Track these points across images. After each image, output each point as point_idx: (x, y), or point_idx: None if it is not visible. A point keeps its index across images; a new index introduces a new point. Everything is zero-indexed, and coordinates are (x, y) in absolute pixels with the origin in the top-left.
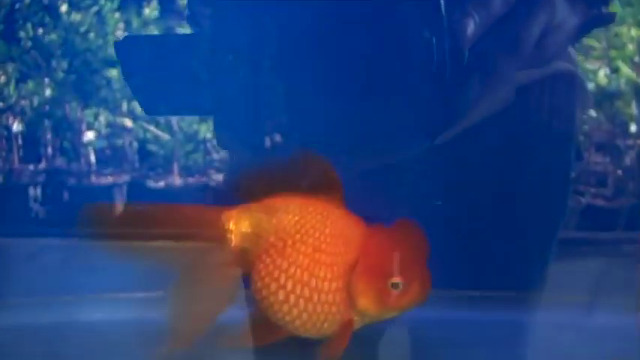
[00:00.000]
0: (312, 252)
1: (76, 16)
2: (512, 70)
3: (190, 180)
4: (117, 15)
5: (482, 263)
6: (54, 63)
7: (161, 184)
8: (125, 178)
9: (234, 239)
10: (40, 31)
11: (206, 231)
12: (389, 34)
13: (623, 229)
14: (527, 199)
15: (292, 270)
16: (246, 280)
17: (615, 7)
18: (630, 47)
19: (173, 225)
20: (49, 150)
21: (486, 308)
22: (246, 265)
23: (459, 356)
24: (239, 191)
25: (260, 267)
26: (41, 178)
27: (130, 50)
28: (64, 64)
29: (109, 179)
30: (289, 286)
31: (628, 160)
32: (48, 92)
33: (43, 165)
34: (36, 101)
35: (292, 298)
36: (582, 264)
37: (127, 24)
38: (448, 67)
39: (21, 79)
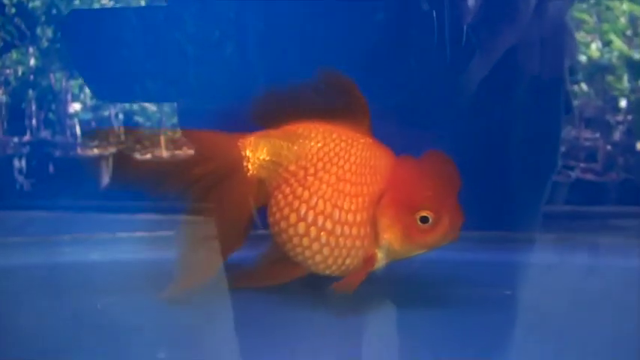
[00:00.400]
0: (335, 181)
1: None
2: (511, 38)
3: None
4: None
5: (486, 205)
6: (38, 31)
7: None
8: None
9: (250, 168)
10: None
11: (221, 159)
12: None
13: (613, 204)
14: (522, 145)
15: (314, 201)
16: (262, 216)
17: None
18: (622, 21)
19: (188, 151)
20: (34, 122)
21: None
22: (264, 197)
23: (459, 295)
24: (258, 117)
25: (279, 197)
26: (25, 150)
27: (75, 27)
28: (49, 33)
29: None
30: (310, 217)
31: (618, 135)
32: (32, 62)
33: (27, 137)
34: (20, 71)
35: (313, 231)
36: (570, 236)
37: None
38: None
39: (4, 49)
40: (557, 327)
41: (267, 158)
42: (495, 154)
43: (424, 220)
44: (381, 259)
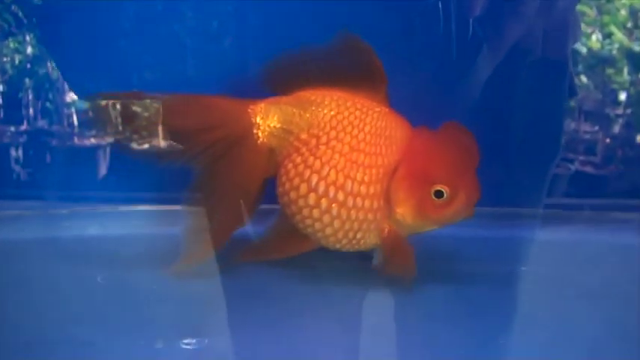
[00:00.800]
0: (348, 151)
1: None
2: (518, 30)
3: (174, 143)
4: None
5: (495, 182)
6: (35, 19)
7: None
8: (108, 140)
9: (261, 135)
10: None
11: (230, 126)
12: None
13: (612, 197)
14: (529, 127)
15: (325, 171)
16: (271, 189)
17: None
18: (623, 13)
19: (192, 117)
20: (31, 111)
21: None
22: (274, 167)
23: (463, 270)
24: (269, 83)
25: (289, 167)
26: (22, 140)
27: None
28: (47, 22)
29: (92, 141)
30: (321, 188)
31: (617, 128)
32: (29, 50)
33: (24, 127)
34: (17, 59)
35: (324, 202)
36: (570, 228)
37: None
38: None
39: (1, 36)
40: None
41: (278, 126)
42: (503, 133)
43: (439, 194)
44: None
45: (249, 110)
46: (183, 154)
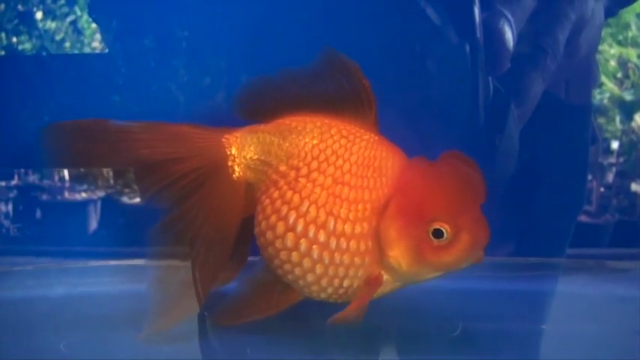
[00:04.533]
0: (331, 184)
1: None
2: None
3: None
4: (94, 26)
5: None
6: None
7: (136, 200)
8: (99, 194)
9: (237, 168)
10: (14, 39)
11: (202, 157)
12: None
13: (608, 246)
14: (550, 178)
15: (305, 207)
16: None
17: None
18: (612, 64)
19: (159, 147)
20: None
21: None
22: (253, 203)
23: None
24: (246, 109)
25: (266, 203)
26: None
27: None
28: None
29: (84, 195)
30: (300, 227)
31: (611, 177)
32: None
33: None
34: None
35: (303, 243)
36: (569, 279)
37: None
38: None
39: None
40: None
41: (255, 157)
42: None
43: (438, 234)
44: (387, 282)
45: (224, 140)
46: (148, 189)
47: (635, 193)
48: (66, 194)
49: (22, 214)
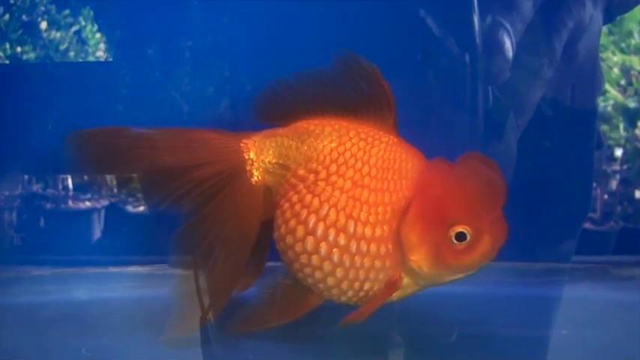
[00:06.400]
0: (351, 187)
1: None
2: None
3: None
4: (98, 35)
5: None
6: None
7: (140, 209)
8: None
9: (255, 172)
10: (19, 49)
11: (220, 162)
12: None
13: (612, 253)
14: (555, 184)
15: (325, 210)
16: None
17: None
18: (616, 71)
19: (178, 154)
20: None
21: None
22: (271, 208)
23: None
24: (263, 113)
25: (285, 207)
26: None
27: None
28: None
29: (88, 204)
30: (320, 230)
31: (614, 184)
32: None
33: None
34: None
35: (323, 246)
36: (573, 286)
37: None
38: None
39: None
40: None
41: (274, 161)
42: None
43: (460, 237)
44: (407, 284)
45: (242, 145)
46: (168, 196)
47: (639, 200)
48: (70, 203)
49: (26, 222)
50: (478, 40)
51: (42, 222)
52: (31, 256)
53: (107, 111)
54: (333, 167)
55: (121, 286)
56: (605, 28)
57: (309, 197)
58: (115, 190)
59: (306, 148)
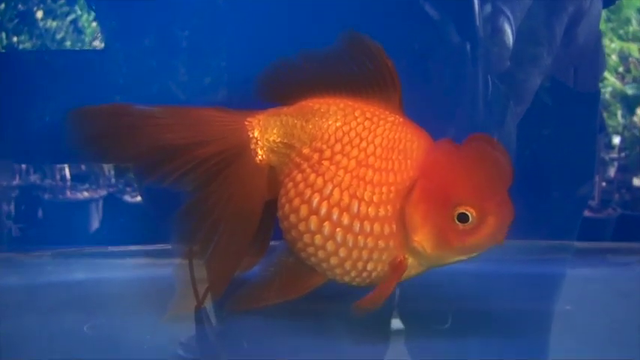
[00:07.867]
0: (355, 167)
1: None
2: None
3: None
4: (94, 24)
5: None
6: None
7: (138, 198)
8: (101, 193)
9: (259, 151)
10: (15, 39)
11: (224, 141)
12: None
13: (610, 240)
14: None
15: (328, 189)
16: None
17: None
18: (614, 58)
19: (182, 131)
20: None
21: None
22: (276, 187)
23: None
24: (268, 92)
25: (289, 186)
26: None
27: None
28: None
29: (86, 194)
30: (323, 210)
31: (613, 171)
32: None
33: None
34: None
35: (327, 226)
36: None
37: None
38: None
39: None
40: None
41: (279, 140)
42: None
43: (463, 218)
44: (412, 265)
45: (246, 123)
46: (172, 173)
47: (637, 188)
48: (68, 193)
49: (24, 213)
50: (479, 26)
51: (40, 213)
52: (30, 246)
53: (104, 100)
54: (338, 146)
55: (120, 270)
56: (603, 15)
57: (313, 176)
58: (113, 180)
59: (310, 127)
